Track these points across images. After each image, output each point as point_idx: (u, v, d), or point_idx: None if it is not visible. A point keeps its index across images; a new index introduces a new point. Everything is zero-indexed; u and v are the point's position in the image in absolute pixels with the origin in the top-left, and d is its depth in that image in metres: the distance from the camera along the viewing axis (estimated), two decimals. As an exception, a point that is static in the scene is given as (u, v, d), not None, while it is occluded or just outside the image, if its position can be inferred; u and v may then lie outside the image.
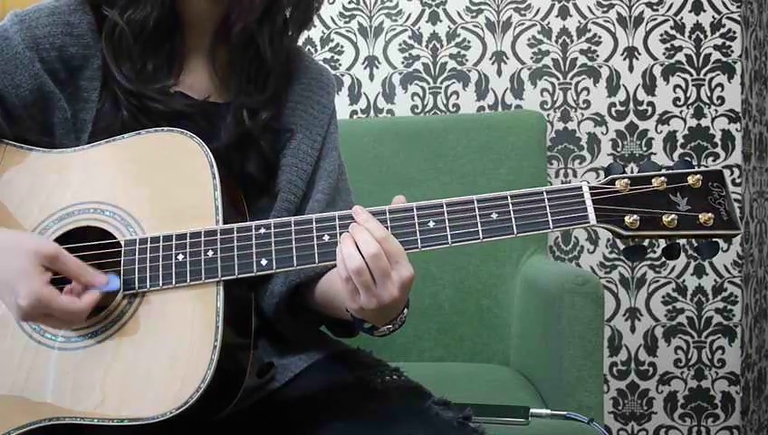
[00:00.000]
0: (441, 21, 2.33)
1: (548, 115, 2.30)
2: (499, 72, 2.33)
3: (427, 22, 2.33)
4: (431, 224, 0.95)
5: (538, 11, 2.32)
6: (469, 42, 2.33)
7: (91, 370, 0.96)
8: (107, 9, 1.09)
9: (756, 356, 2.25)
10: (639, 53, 2.31)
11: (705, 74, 2.30)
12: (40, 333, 0.99)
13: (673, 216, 0.93)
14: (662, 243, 0.96)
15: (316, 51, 2.34)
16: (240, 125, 1.14)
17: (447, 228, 0.95)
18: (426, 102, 2.34)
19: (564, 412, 1.50)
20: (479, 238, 0.95)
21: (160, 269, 0.98)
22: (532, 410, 1.48)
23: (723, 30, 2.30)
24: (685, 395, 2.35)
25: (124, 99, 1.09)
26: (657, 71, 2.31)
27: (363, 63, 2.35)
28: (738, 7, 2.28)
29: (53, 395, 0.96)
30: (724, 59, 2.30)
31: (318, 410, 1.08)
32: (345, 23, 2.35)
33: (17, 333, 0.99)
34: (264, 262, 0.97)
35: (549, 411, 1.51)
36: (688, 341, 2.33)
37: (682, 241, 0.95)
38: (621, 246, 0.98)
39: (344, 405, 1.07)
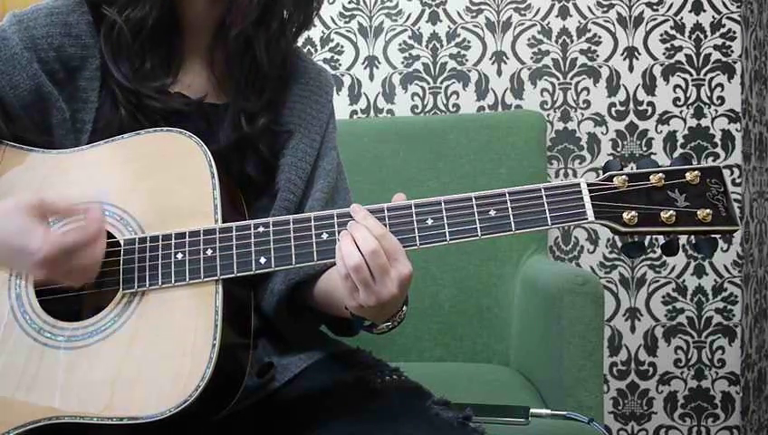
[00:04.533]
0: (441, 21, 2.33)
1: (548, 115, 2.30)
2: (499, 72, 2.33)
3: (427, 22, 2.33)
4: (429, 221, 0.95)
5: (538, 11, 2.32)
6: (469, 42, 2.33)
7: (94, 369, 0.96)
8: (106, 8, 1.09)
9: (756, 356, 2.25)
10: (639, 53, 2.31)
11: (705, 74, 2.30)
12: (43, 335, 0.99)
13: (671, 212, 0.92)
14: (661, 240, 0.95)
15: (316, 51, 2.34)
16: (237, 130, 1.14)
17: (446, 226, 0.95)
18: (426, 102, 2.34)
19: (564, 412, 1.50)
20: (477, 236, 0.95)
21: (159, 268, 0.98)
22: (532, 410, 1.48)
23: (723, 30, 2.30)
24: (685, 395, 2.35)
25: (122, 97, 1.09)
26: (657, 71, 2.31)
27: (363, 63, 2.35)
28: (738, 7, 2.28)
29: (60, 395, 0.96)
30: (724, 59, 2.30)
31: (318, 410, 1.07)
32: (345, 23, 2.35)
33: (21, 335, 0.99)
34: (262, 260, 0.97)
35: (549, 411, 1.51)
36: (688, 341, 2.33)
37: (682, 238, 0.95)
38: (620, 243, 0.98)
39: (344, 405, 1.06)
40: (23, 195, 0.96)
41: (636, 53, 2.31)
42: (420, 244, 0.95)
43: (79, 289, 1.01)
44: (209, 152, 1.03)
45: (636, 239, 0.94)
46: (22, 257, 0.93)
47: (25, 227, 0.93)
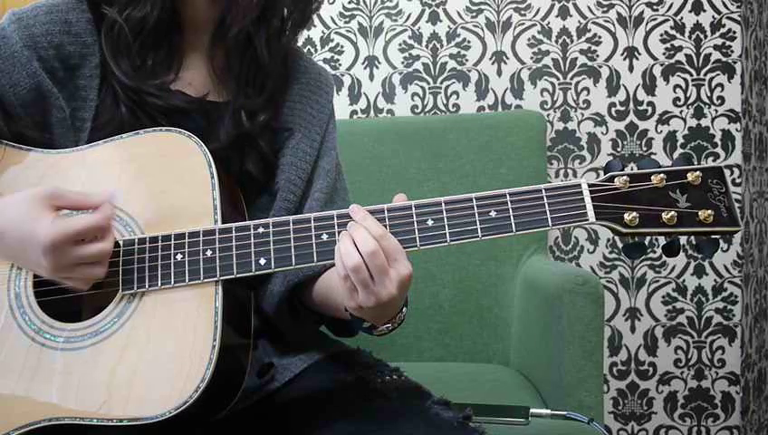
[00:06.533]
0: (441, 21, 2.33)
1: (548, 115, 2.30)
2: (499, 72, 2.32)
3: (427, 22, 2.33)
4: (430, 222, 0.95)
5: (538, 11, 2.32)
6: (469, 42, 2.33)
7: (93, 370, 0.96)
8: (106, 8, 1.09)
9: (756, 356, 2.25)
10: (639, 53, 2.31)
11: (705, 74, 2.30)
12: (42, 335, 0.99)
13: (672, 213, 0.92)
14: (662, 240, 0.95)
15: (316, 51, 2.34)
16: (238, 126, 1.14)
17: (446, 227, 0.95)
18: (426, 102, 2.34)
19: (564, 412, 1.50)
20: (478, 237, 0.94)
21: (159, 269, 0.98)
22: (532, 410, 1.48)
23: (723, 30, 2.29)
24: (685, 395, 2.35)
25: (123, 95, 1.09)
26: (657, 71, 2.31)
27: (363, 63, 2.35)
28: (738, 7, 2.28)
29: (59, 395, 0.96)
30: (724, 59, 2.30)
31: (318, 410, 1.07)
32: (345, 23, 2.34)
33: (19, 336, 0.99)
34: (262, 261, 0.97)
35: (549, 411, 1.50)
36: (688, 341, 2.33)
37: (682, 239, 0.95)
38: (621, 244, 0.97)
39: (344, 405, 1.07)
40: (36, 188, 0.97)
41: (636, 53, 2.31)
42: (421, 245, 0.95)
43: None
44: (209, 153, 1.03)
45: (636, 240, 0.94)
46: (29, 244, 0.93)
47: (34, 213, 0.93)
